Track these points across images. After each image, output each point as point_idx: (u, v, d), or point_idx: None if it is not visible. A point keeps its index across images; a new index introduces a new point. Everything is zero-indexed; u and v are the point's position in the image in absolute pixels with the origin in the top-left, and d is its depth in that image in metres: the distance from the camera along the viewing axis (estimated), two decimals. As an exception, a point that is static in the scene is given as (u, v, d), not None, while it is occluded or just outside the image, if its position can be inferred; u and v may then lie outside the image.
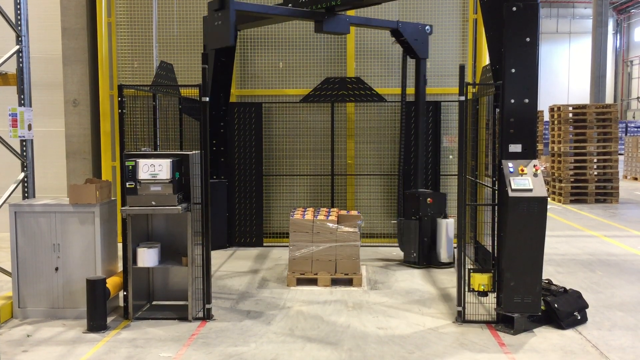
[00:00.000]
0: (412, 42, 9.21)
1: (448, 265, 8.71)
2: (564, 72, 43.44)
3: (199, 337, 5.97)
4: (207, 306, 6.50)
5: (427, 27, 9.29)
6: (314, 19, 8.51)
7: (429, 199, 8.78)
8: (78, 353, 5.58)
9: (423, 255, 8.76)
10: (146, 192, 6.20)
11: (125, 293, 6.49)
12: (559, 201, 16.13)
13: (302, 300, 7.20)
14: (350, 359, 5.44)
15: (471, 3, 10.25)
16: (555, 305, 6.19)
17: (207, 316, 6.49)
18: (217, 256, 9.45)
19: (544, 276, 6.51)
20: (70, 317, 6.50)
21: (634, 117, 43.71)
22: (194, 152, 6.56)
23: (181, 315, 6.54)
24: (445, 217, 8.83)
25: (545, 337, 5.96)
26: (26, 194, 7.14)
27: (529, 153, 6.11)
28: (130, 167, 6.18)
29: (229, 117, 10.21)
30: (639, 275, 8.34)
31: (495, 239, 6.46)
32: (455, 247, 8.06)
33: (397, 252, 9.77)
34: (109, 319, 6.43)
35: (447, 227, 8.70)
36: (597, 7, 29.93)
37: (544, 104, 22.84)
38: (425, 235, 8.73)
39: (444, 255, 8.70)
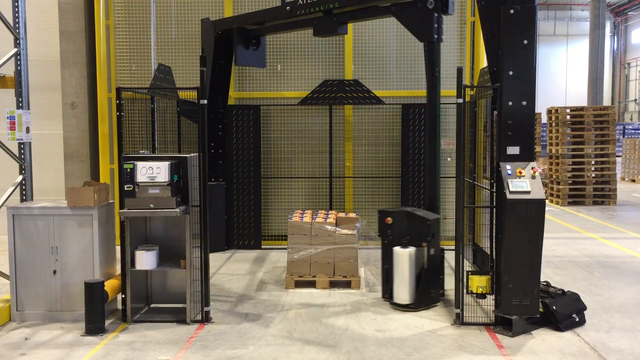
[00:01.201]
0: (409, 26, 7.57)
1: (405, 307, 6.85)
2: (562, 74, 43.48)
3: (197, 340, 5.96)
4: (205, 309, 6.49)
5: (429, 2, 7.29)
6: (310, 26, 8.48)
7: (387, 219, 7.14)
8: (76, 356, 5.57)
9: (385, 286, 7.25)
10: (144, 194, 6.20)
11: (123, 296, 6.48)
12: (557, 203, 16.15)
13: (301, 303, 7.20)
14: (348, 361, 5.45)
15: (469, 6, 10.28)
16: (554, 308, 6.19)
17: (206, 319, 6.48)
18: (215, 259, 9.45)
19: (542, 278, 6.52)
20: (68, 320, 6.49)
21: (631, 119, 43.78)
22: (192, 154, 6.56)
23: (179, 318, 6.54)
24: (407, 245, 6.92)
25: (543, 339, 5.97)
26: (24, 197, 7.13)
27: (527, 155, 6.12)
28: (129, 169, 6.18)
29: (227, 120, 10.22)
30: (636, 277, 8.35)
31: (494, 241, 6.47)
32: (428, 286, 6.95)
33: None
34: (107, 322, 6.42)
35: (407, 259, 6.82)
36: (595, 10, 30.02)
37: (541, 106, 22.96)
38: (386, 263, 7.19)
39: (399, 294, 6.89)
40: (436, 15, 7.17)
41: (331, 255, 7.81)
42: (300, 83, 10.53)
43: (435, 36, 7.26)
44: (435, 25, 7.23)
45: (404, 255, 6.87)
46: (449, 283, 7.89)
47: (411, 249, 6.88)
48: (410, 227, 7.02)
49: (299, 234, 7.87)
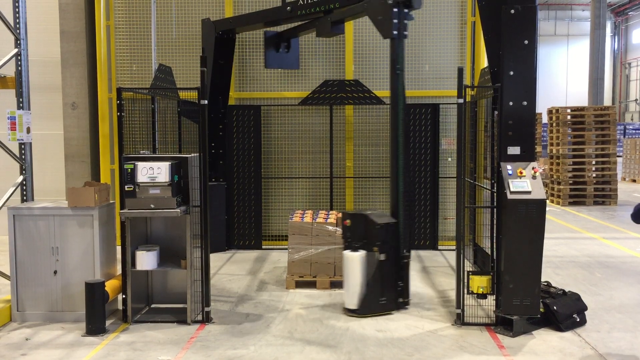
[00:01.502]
0: (374, 22, 7.20)
1: (352, 312, 6.71)
2: (562, 75, 43.46)
3: (197, 340, 5.96)
4: (206, 309, 6.49)
5: None
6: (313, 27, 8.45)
7: (345, 221, 6.98)
8: (77, 356, 5.57)
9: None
10: (145, 195, 6.20)
11: (124, 296, 6.48)
12: (558, 203, 16.14)
13: (301, 303, 7.20)
14: (349, 361, 5.45)
15: (469, 6, 10.27)
16: (554, 308, 6.19)
17: (206, 319, 6.48)
18: (216, 259, 9.44)
19: (543, 278, 6.52)
20: (69, 320, 6.50)
21: (632, 119, 43.76)
22: (192, 154, 6.56)
23: (180, 318, 6.54)
24: (359, 249, 6.74)
25: (544, 339, 5.96)
26: (25, 197, 7.13)
27: (528, 155, 6.11)
28: (129, 170, 6.18)
29: (228, 120, 10.22)
30: (637, 277, 8.34)
31: (494, 241, 6.47)
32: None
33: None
34: (108, 322, 6.42)
35: (355, 263, 6.67)
36: (595, 10, 30.01)
37: (542, 106, 22.80)
38: None
39: (348, 298, 6.76)
40: (396, 10, 6.84)
41: (332, 256, 7.81)
42: (301, 83, 10.53)
43: (395, 32, 6.85)
44: (395, 21, 6.82)
45: (352, 260, 6.68)
46: (449, 284, 7.91)
47: (361, 253, 6.67)
48: (366, 231, 6.80)
49: (300, 234, 7.87)
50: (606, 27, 32.21)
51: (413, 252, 9.93)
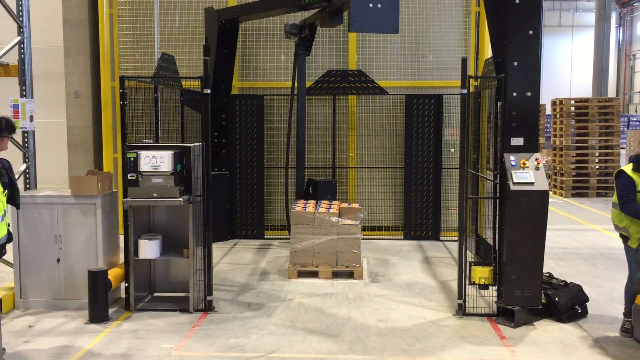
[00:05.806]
0: None
1: None
2: (567, 66, 43.25)
3: (200, 329, 5.99)
4: (208, 298, 6.51)
5: None
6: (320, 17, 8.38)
7: None
8: (80, 344, 5.60)
9: None
10: (148, 184, 6.20)
11: (126, 284, 6.51)
12: (561, 195, 16.12)
13: (303, 293, 7.21)
14: (350, 351, 5.46)
15: (474, -5, 10.22)
16: (556, 299, 6.20)
17: (208, 308, 6.51)
18: (218, 248, 9.47)
19: (545, 269, 6.52)
20: (71, 308, 6.52)
21: (636, 111, 43.57)
22: (195, 144, 6.56)
23: (182, 306, 6.56)
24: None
25: (545, 330, 5.98)
26: (28, 186, 7.15)
27: (531, 146, 6.10)
28: (132, 158, 6.18)
29: (231, 110, 10.20)
30: (639, 269, 8.33)
31: (497, 232, 6.47)
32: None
33: (399, 247, 9.79)
34: (111, 310, 6.45)
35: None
36: (600, 1, 29.80)
37: (546, 97, 22.82)
38: None
39: None
40: None
41: (334, 246, 7.82)
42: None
43: None
44: None
45: None
46: (451, 274, 7.92)
47: None
48: None
49: (302, 224, 7.88)
50: (611, 18, 32.01)
51: (415, 243, 9.95)
